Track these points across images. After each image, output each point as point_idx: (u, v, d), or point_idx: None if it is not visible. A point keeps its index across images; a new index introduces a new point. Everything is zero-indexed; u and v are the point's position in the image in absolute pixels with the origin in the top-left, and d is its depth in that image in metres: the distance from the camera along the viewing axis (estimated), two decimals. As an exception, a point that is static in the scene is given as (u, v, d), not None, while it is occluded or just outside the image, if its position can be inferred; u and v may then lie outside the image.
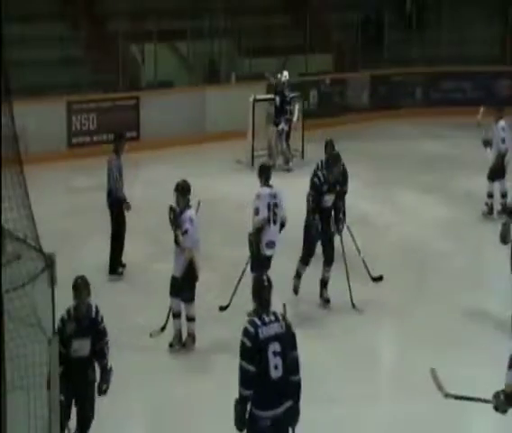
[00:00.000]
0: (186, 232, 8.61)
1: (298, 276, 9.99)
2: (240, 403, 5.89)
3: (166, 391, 7.96)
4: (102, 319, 6.71)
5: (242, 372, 5.85)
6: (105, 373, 6.70)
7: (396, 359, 8.88)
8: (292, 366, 5.95)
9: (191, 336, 8.86)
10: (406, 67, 21.38)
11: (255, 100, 16.47)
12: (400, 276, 10.86)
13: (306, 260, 9.92)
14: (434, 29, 22.43)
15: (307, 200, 10.20)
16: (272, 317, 5.94)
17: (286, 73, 16.25)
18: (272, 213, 9.39)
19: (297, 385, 6.01)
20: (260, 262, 9.22)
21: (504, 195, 12.98)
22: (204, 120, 18.20)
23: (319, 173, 9.86)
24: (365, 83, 20.85)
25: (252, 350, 5.83)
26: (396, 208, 13.85)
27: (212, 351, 8.82)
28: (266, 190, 9.44)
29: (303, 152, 16.76)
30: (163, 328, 9.03)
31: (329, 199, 9.77)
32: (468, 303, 10.03)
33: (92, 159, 15.13)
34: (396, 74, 21.18)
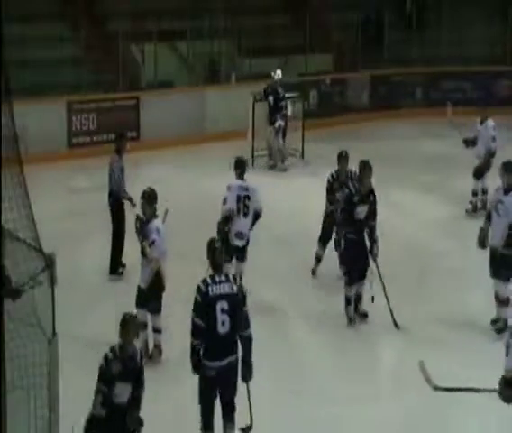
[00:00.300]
0: (153, 243, 8.54)
1: (348, 302, 9.55)
2: (191, 352, 6.60)
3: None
4: (144, 367, 6.40)
5: (193, 325, 6.53)
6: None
7: (394, 359, 8.88)
8: (241, 323, 6.54)
9: (158, 348, 8.69)
10: (406, 67, 21.36)
11: (255, 100, 16.50)
12: (400, 276, 10.83)
13: (350, 282, 9.55)
14: (434, 29, 22.40)
15: (335, 211, 10.08)
16: (223, 278, 6.57)
17: (279, 71, 16.37)
18: (242, 205, 9.59)
19: (248, 339, 6.57)
20: (229, 251, 9.29)
21: (485, 191, 13.03)
22: (204, 120, 18.18)
23: (350, 184, 9.64)
24: (365, 83, 20.84)
25: (202, 305, 6.50)
26: (396, 209, 13.83)
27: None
28: (237, 182, 9.73)
29: (303, 151, 16.77)
30: None
31: (361, 211, 9.40)
32: (468, 304, 10.05)
33: (92, 159, 15.14)
34: (396, 74, 21.15)
